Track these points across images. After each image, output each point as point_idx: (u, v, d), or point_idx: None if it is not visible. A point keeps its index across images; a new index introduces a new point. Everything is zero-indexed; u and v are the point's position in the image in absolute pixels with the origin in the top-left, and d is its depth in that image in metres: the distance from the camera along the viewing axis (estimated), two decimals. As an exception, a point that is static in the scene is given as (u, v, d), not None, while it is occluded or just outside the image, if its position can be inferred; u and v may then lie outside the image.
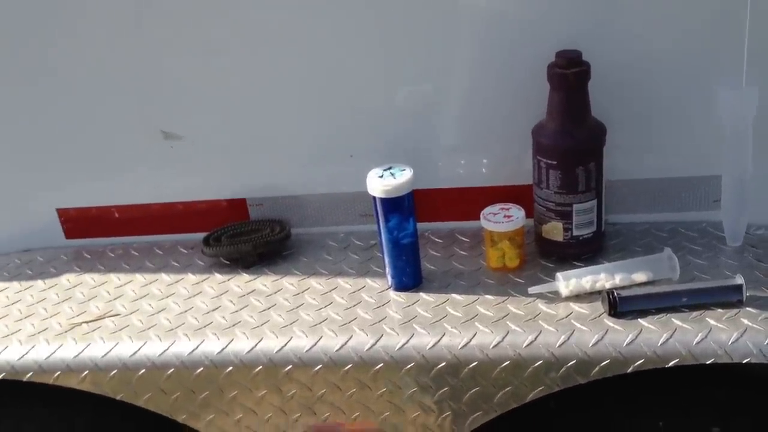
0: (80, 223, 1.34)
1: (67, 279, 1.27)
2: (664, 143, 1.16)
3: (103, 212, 1.32)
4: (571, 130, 1.08)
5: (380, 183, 1.07)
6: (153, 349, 1.08)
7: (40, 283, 1.27)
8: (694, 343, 0.96)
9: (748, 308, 1.00)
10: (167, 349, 1.08)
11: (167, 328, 1.11)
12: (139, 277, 1.25)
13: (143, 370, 1.07)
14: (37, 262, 1.33)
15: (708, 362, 0.95)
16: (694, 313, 1.00)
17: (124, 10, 1.16)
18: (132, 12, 1.16)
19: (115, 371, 1.08)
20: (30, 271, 1.31)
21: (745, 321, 0.97)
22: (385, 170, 1.09)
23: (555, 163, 1.09)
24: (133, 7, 1.16)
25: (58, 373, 1.09)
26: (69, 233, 1.35)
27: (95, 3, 1.16)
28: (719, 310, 1.00)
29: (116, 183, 1.30)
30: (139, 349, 1.08)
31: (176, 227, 1.32)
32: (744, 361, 0.94)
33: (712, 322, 0.98)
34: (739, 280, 1.01)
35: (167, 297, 1.19)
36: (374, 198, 1.09)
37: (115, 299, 1.20)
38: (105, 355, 1.09)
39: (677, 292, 1.02)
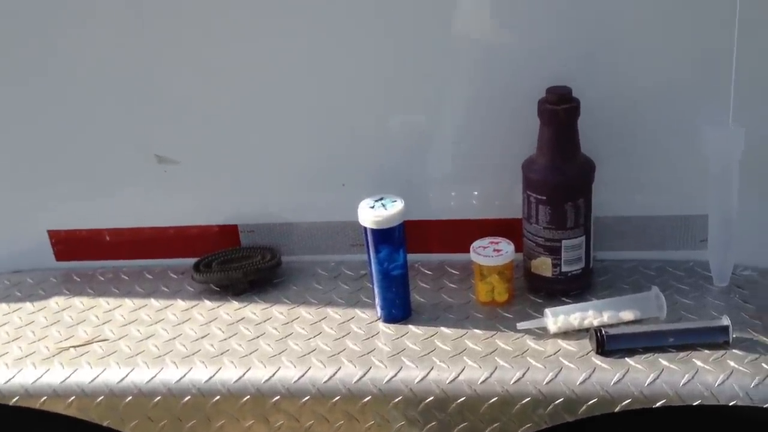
0: (71, 245, 1.34)
1: (56, 302, 1.27)
2: (652, 181, 1.18)
3: (94, 235, 1.32)
4: (561, 165, 1.10)
5: (371, 214, 1.08)
6: (140, 376, 1.08)
7: (28, 306, 1.26)
8: (681, 384, 0.97)
9: (734, 350, 1.00)
10: (155, 377, 1.07)
11: (155, 354, 1.11)
12: (128, 302, 1.25)
13: (130, 397, 1.07)
14: (26, 283, 1.33)
15: (695, 404, 0.96)
16: (681, 354, 1.00)
17: (119, 34, 1.17)
18: (128, 37, 1.17)
19: (102, 397, 1.07)
20: (19, 293, 1.30)
21: (732, 363, 0.98)
22: (376, 201, 1.10)
23: (544, 198, 1.10)
24: (129, 32, 1.17)
25: (45, 398, 1.08)
26: (59, 255, 1.35)
27: (89, 26, 1.17)
28: (706, 351, 1.01)
29: (108, 206, 1.30)
30: (126, 376, 1.08)
31: (167, 252, 1.32)
32: (731, 404, 0.95)
33: (698, 363, 0.99)
34: (726, 321, 1.02)
35: (156, 323, 1.19)
36: (365, 228, 1.09)
37: (103, 324, 1.20)
38: (92, 380, 1.08)
39: (664, 332, 1.03)
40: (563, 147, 1.10)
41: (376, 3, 1.12)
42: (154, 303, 1.24)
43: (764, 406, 0.94)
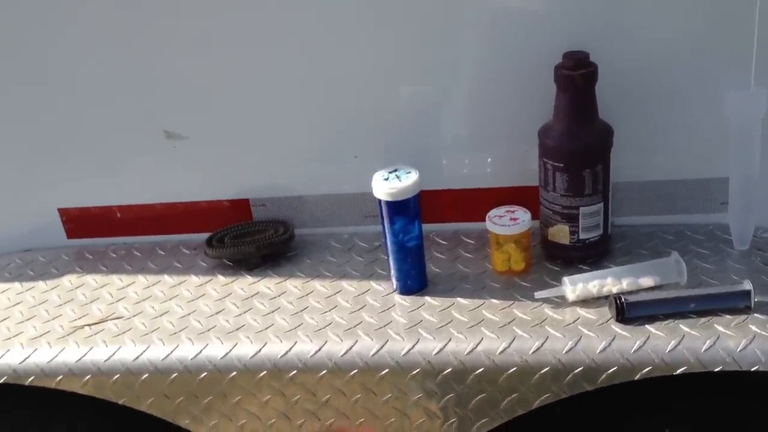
0: (82, 222, 1.33)
1: (68, 280, 1.26)
2: (671, 145, 1.15)
3: (104, 212, 1.31)
4: (578, 132, 1.07)
5: (386, 186, 1.06)
6: (156, 353, 1.07)
7: (41, 285, 1.26)
8: (702, 350, 0.95)
9: (756, 314, 0.99)
10: (170, 354, 1.07)
11: (170, 331, 1.11)
12: (141, 279, 1.24)
13: (146, 375, 1.06)
14: (38, 262, 1.32)
15: (716, 370, 0.94)
16: (702, 320, 0.99)
17: (125, 9, 1.15)
18: (134, 11, 1.15)
19: (118, 375, 1.07)
20: (31, 271, 1.30)
21: (754, 328, 0.97)
22: (390, 172, 1.08)
23: (561, 165, 1.08)
24: (135, 7, 1.14)
25: (60, 377, 1.08)
26: (70, 233, 1.34)
27: (98, 3, 1.15)
28: (727, 316, 0.99)
29: (118, 182, 1.29)
30: (142, 354, 1.07)
31: (179, 227, 1.31)
32: (752, 369, 0.94)
33: (720, 328, 0.97)
34: (748, 285, 1.00)
35: (170, 299, 1.18)
36: (379, 201, 1.08)
37: (117, 301, 1.19)
38: (108, 359, 1.08)
39: (685, 297, 1.01)
40: (580, 113, 1.07)
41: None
42: (168, 279, 1.23)
43: (788, 371, 0.93)
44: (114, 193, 1.30)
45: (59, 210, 1.32)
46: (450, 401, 1.02)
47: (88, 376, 1.07)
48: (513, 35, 1.11)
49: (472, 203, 1.21)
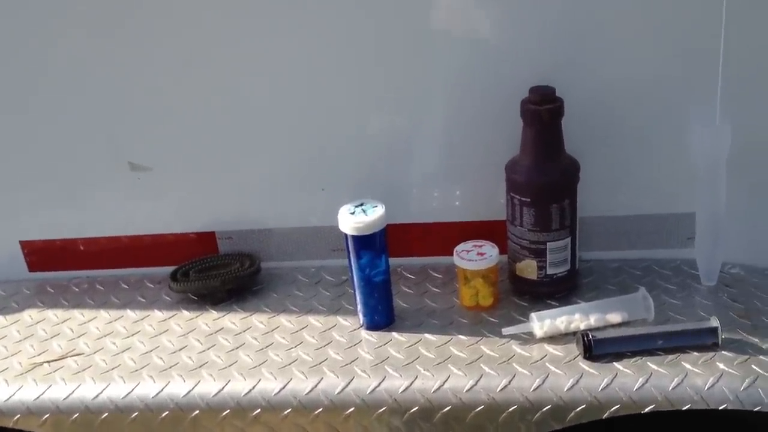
0: (44, 255, 1.30)
1: (29, 315, 1.23)
2: (638, 180, 1.16)
3: (67, 244, 1.29)
4: (545, 167, 1.07)
5: (351, 220, 1.05)
6: (117, 391, 1.05)
7: (1, 320, 1.23)
8: (670, 388, 0.95)
9: (723, 351, 0.98)
10: (131, 391, 1.04)
11: (132, 368, 1.08)
12: (103, 314, 1.21)
13: (106, 414, 1.03)
14: (-2, 296, 1.29)
15: (684, 408, 0.94)
16: (670, 357, 0.98)
17: (92, 39, 1.13)
18: (100, 42, 1.13)
19: (77, 414, 1.04)
20: (-9, 306, 1.27)
21: (721, 365, 0.96)
22: (356, 206, 1.07)
23: (529, 200, 1.07)
24: (101, 33, 1.13)
25: (18, 416, 1.05)
26: (32, 266, 1.31)
27: (60, 32, 1.13)
28: (695, 353, 0.99)
29: (82, 214, 1.27)
30: (102, 392, 1.05)
31: (143, 260, 1.29)
32: (720, 408, 0.93)
33: (687, 366, 0.97)
34: (715, 322, 1.00)
35: (133, 335, 1.15)
36: (345, 235, 1.07)
37: (78, 337, 1.16)
38: (67, 397, 1.05)
39: (652, 334, 1.01)
40: (547, 147, 1.07)
41: (356, 3, 1.09)
42: (131, 314, 1.20)
43: (755, 410, 0.93)
44: (77, 226, 1.28)
45: (21, 242, 1.30)
46: (417, 440, 1.00)
47: (47, 415, 1.04)
48: (481, 70, 1.11)
49: (440, 237, 1.20)
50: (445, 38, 1.11)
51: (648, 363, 0.98)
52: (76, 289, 1.28)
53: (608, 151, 1.13)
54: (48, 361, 1.11)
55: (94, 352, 1.12)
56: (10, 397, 1.06)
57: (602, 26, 1.07)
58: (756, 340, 1.00)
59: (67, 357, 1.12)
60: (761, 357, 0.97)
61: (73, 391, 1.05)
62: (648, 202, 1.16)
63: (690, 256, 1.15)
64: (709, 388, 0.94)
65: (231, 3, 1.11)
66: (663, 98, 1.10)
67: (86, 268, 1.30)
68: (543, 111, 1.05)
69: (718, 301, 1.09)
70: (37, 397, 1.05)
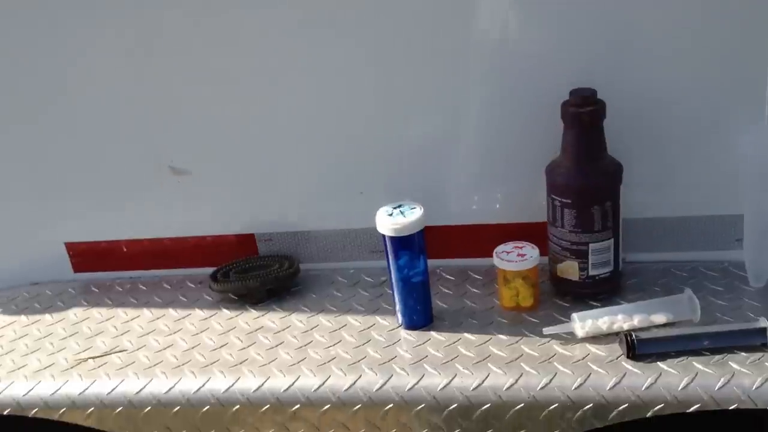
0: (88, 256, 1.32)
1: (74, 313, 1.25)
2: (684, 180, 1.14)
3: (111, 246, 1.31)
4: (586, 169, 1.06)
5: (390, 221, 1.05)
6: (159, 386, 1.06)
7: (47, 317, 1.25)
8: (716, 387, 0.92)
9: (772, 352, 0.96)
10: (173, 387, 1.05)
11: (174, 365, 1.09)
12: (146, 312, 1.23)
13: (149, 408, 1.05)
14: (45, 295, 1.32)
15: (731, 408, 0.91)
16: (716, 357, 0.96)
17: (132, 43, 1.16)
18: (141, 45, 1.16)
19: (121, 408, 1.05)
20: (38, 304, 1.29)
21: (770, 365, 0.94)
22: (394, 208, 1.07)
23: (569, 202, 1.06)
24: (142, 41, 1.15)
25: (64, 409, 1.07)
26: (77, 267, 1.34)
27: (103, 36, 1.16)
28: (742, 353, 0.96)
29: (125, 217, 1.29)
30: (144, 387, 1.06)
31: (184, 262, 1.30)
32: (768, 407, 0.91)
33: (735, 366, 0.94)
34: (763, 322, 0.98)
35: (174, 333, 1.17)
36: (384, 236, 1.07)
37: (121, 335, 1.18)
38: (111, 392, 1.06)
39: (698, 334, 0.99)
40: (588, 150, 1.06)
41: (392, 4, 1.10)
42: (172, 313, 1.22)
43: (804, 410, 0.90)
44: (120, 228, 1.30)
45: (66, 244, 1.32)
46: (456, 438, 0.99)
47: (92, 409, 1.06)
48: (520, 71, 1.11)
49: (480, 239, 1.20)
50: (484, 41, 1.11)
51: (693, 363, 0.96)
52: (120, 289, 1.30)
53: (653, 152, 1.12)
54: (93, 357, 1.13)
55: (137, 349, 1.14)
56: (56, 391, 1.08)
57: (644, 26, 1.06)
58: (805, 341, 0.98)
59: (111, 353, 1.14)
60: (811, 358, 0.95)
61: (116, 386, 1.07)
62: (695, 203, 1.14)
63: (738, 257, 1.13)
64: (757, 388, 0.92)
65: (271, 14, 1.12)
66: (708, 98, 1.08)
67: (129, 269, 1.32)
68: (583, 114, 1.04)
69: (766, 302, 1.06)
70: (82, 392, 1.07)
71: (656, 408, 0.93)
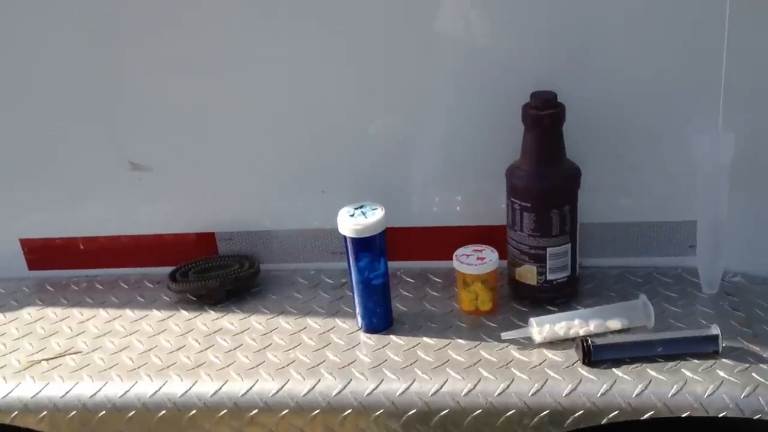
0: (44, 253, 1.30)
1: (28, 313, 1.23)
2: (640, 187, 1.15)
3: (67, 243, 1.29)
4: (546, 172, 1.07)
5: (351, 222, 1.05)
6: (114, 389, 1.04)
7: (0, 317, 1.23)
8: (670, 395, 0.94)
9: (724, 359, 0.98)
10: (129, 390, 1.04)
11: (129, 367, 1.08)
12: (102, 313, 1.21)
13: (103, 412, 1.03)
14: (-3, 294, 1.29)
15: (683, 415, 0.93)
16: (670, 364, 0.98)
17: (90, 39, 1.14)
18: (100, 41, 1.14)
19: (75, 412, 1.04)
20: (-10, 303, 1.27)
21: (721, 373, 0.96)
22: (356, 209, 1.07)
23: (529, 205, 1.07)
24: (100, 37, 1.13)
25: (15, 413, 1.05)
26: (32, 264, 1.31)
27: (59, 30, 1.13)
28: (695, 360, 0.98)
29: (82, 214, 1.27)
30: (99, 390, 1.04)
31: (143, 260, 1.28)
32: (720, 415, 0.92)
33: (687, 373, 0.96)
34: (715, 330, 1.00)
35: (131, 334, 1.15)
36: (345, 237, 1.06)
37: (77, 335, 1.16)
38: (64, 395, 1.05)
39: (652, 341, 1.00)
40: (548, 153, 1.07)
41: (356, 5, 1.09)
42: (129, 313, 1.20)
43: (754, 418, 0.92)
44: (78, 225, 1.27)
45: (21, 240, 1.29)
46: (414, 443, 1.00)
47: (44, 413, 1.04)
48: (483, 74, 1.11)
49: (440, 241, 1.20)
50: (447, 43, 1.11)
51: (647, 369, 0.97)
52: (76, 288, 1.28)
53: (610, 157, 1.13)
54: (46, 359, 1.11)
55: (93, 351, 1.12)
56: (8, 393, 1.06)
57: (605, 33, 1.07)
58: (756, 348, 1.00)
59: (65, 355, 1.12)
60: (761, 365, 0.97)
61: (70, 389, 1.05)
62: (650, 209, 1.16)
63: (691, 264, 1.15)
64: (708, 396, 0.93)
65: (232, 6, 1.11)
66: (666, 106, 1.10)
67: (86, 267, 1.30)
68: (544, 116, 1.05)
69: (718, 309, 1.09)
70: (35, 395, 1.05)
71: (611, 415, 0.94)
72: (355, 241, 1.06)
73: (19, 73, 1.17)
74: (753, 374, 0.95)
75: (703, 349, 0.99)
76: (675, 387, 0.95)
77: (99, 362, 1.10)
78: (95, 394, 1.04)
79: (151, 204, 1.25)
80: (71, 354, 1.12)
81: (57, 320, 1.21)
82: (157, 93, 1.16)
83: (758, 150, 1.09)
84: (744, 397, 0.93)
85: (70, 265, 1.30)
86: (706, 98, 1.06)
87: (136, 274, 1.29)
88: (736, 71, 1.03)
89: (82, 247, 1.29)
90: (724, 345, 0.99)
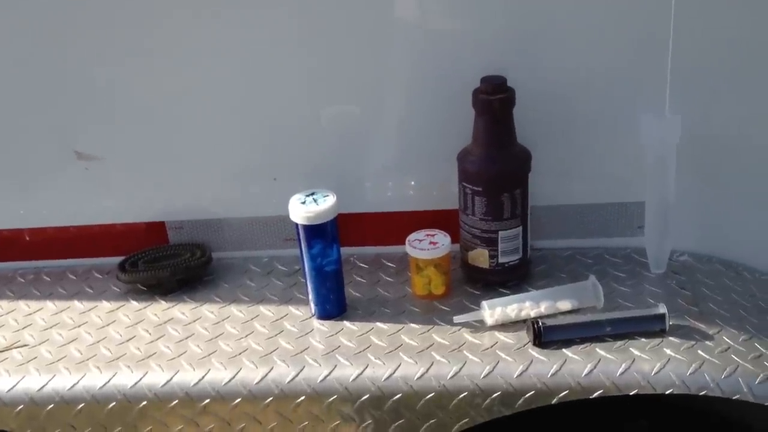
0: (-11, 246, 1.27)
1: (-28, 306, 1.21)
2: (589, 169, 1.16)
3: (13, 235, 1.26)
4: (497, 156, 1.07)
5: (302, 209, 1.04)
6: (62, 382, 1.03)
7: (-58, 311, 1.20)
8: (618, 374, 0.95)
9: (670, 337, 1.00)
10: (77, 383, 1.02)
11: (78, 359, 1.06)
12: (50, 305, 1.19)
13: (51, 405, 1.01)
14: (-60, 287, 1.26)
15: (631, 393, 0.95)
16: (618, 343, 0.99)
17: (35, 25, 1.11)
18: (45, 27, 1.11)
19: (22, 406, 1.02)
20: (-68, 297, 1.24)
21: (668, 351, 0.97)
22: (307, 196, 1.06)
23: (480, 189, 1.07)
24: (45, 24, 1.10)
25: (-39, 408, 1.03)
26: (-24, 257, 1.28)
27: (3, 16, 1.10)
28: (643, 339, 0.99)
29: (27, 204, 1.24)
30: (47, 383, 1.03)
31: (91, 251, 1.26)
32: (667, 392, 0.94)
33: (635, 352, 0.98)
34: (662, 309, 1.01)
35: (79, 326, 1.13)
36: (296, 225, 1.06)
37: (23, 328, 1.14)
38: (11, 389, 1.03)
39: (601, 321, 1.02)
40: (498, 137, 1.07)
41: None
42: (78, 305, 1.18)
43: (700, 394, 0.94)
44: (23, 215, 1.24)
45: (-36, 232, 1.27)
46: (368, 428, 0.99)
47: (-10, 408, 1.02)
48: (434, 59, 1.11)
49: (394, 226, 1.20)
50: (397, 27, 1.11)
51: (597, 349, 0.99)
52: (22, 280, 1.26)
53: (559, 140, 1.14)
54: (-9, 353, 1.09)
55: (40, 344, 1.10)
56: (-48, 389, 1.03)
57: (554, 17, 1.08)
58: (702, 326, 1.02)
59: (11, 348, 1.10)
60: (707, 342, 0.99)
61: (17, 383, 1.03)
62: (599, 191, 1.17)
63: (640, 244, 1.16)
64: (656, 374, 0.95)
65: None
66: (613, 89, 1.11)
67: (32, 259, 1.27)
68: (494, 101, 1.05)
69: (666, 288, 1.10)
70: (-20, 390, 1.03)
71: (561, 395, 0.95)
72: (306, 228, 1.05)
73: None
74: (699, 351, 0.97)
75: (651, 327, 1.01)
76: (623, 366, 0.96)
77: (46, 355, 1.07)
78: (43, 387, 1.02)
79: (99, 193, 1.22)
80: (18, 347, 1.10)
81: (3, 313, 1.18)
82: (105, 80, 1.14)
83: (704, 132, 1.10)
84: (690, 374, 0.95)
85: (16, 256, 1.27)
86: (653, 80, 1.07)
87: (84, 266, 1.27)
88: (682, 53, 1.05)
89: (28, 238, 1.26)
90: (670, 323, 1.01)
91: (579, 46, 1.09)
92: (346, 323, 1.09)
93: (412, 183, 1.21)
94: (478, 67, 1.07)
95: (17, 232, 1.26)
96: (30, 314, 1.17)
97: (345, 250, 1.11)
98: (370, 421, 0.99)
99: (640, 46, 1.08)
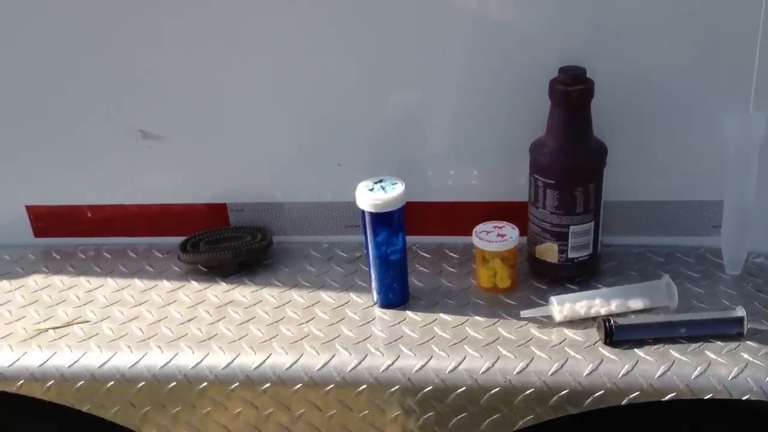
0: (50, 221, 1.27)
1: (34, 280, 1.21)
2: (664, 164, 1.12)
3: (74, 211, 1.26)
4: (572, 149, 1.04)
5: (370, 197, 1.02)
6: (123, 360, 1.02)
7: (5, 284, 1.20)
8: (693, 377, 0.92)
9: (748, 342, 0.96)
10: (138, 361, 1.02)
11: (139, 338, 1.06)
12: (110, 282, 1.19)
13: (112, 382, 1.01)
14: (3, 260, 1.26)
15: (706, 397, 0.91)
16: (693, 345, 0.96)
17: (105, 5, 1.10)
18: (115, 8, 1.10)
19: (82, 382, 1.02)
20: (-5, 270, 1.24)
21: (746, 355, 0.94)
22: (375, 183, 1.04)
23: (553, 182, 1.04)
24: (116, 4, 1.10)
25: (21, 381, 1.03)
26: (38, 231, 1.28)
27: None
28: (719, 342, 0.96)
29: (90, 181, 1.24)
30: (108, 360, 1.02)
31: (152, 230, 1.26)
32: (743, 398, 0.91)
33: (711, 355, 0.94)
34: (740, 312, 0.98)
35: (140, 304, 1.13)
36: (363, 212, 1.04)
37: (84, 305, 1.14)
38: (72, 365, 1.03)
39: (676, 322, 0.98)
40: (575, 130, 1.04)
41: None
42: (138, 283, 1.18)
43: (779, 402, 0.90)
44: (85, 192, 1.25)
45: (27, 207, 1.27)
46: (429, 420, 0.98)
47: (51, 382, 1.02)
48: (505, 46, 1.08)
49: (458, 217, 1.18)
50: (470, 14, 1.08)
51: (670, 351, 0.95)
52: (83, 256, 1.26)
53: (637, 135, 1.10)
54: (53, 328, 1.09)
55: (101, 320, 1.10)
56: (14, 362, 1.04)
57: (635, 8, 1.04)
58: (781, 331, 0.98)
59: (73, 324, 1.10)
60: (786, 348, 0.95)
61: (78, 359, 1.03)
62: (675, 188, 1.13)
63: (715, 244, 1.12)
64: (733, 378, 0.92)
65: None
66: (695, 84, 1.07)
67: (93, 236, 1.28)
68: (573, 92, 1.02)
69: (742, 290, 1.07)
70: (42, 364, 1.03)
71: (632, 396, 0.93)
72: (373, 216, 1.03)
73: (27, 40, 1.13)
74: (778, 357, 0.94)
75: (728, 331, 0.97)
76: (699, 369, 0.93)
77: (108, 332, 1.07)
78: (104, 364, 1.02)
79: (162, 173, 1.22)
80: (79, 323, 1.10)
81: (64, 288, 1.18)
82: (172, 62, 1.13)
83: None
84: (769, 380, 0.91)
85: (77, 233, 1.28)
86: (738, 78, 1.03)
87: (144, 244, 1.27)
88: (769, 52, 1.01)
89: (89, 215, 1.26)
90: (748, 327, 0.97)
91: (661, 39, 1.05)
92: (409, 313, 1.07)
93: (476, 173, 1.18)
94: (553, 56, 1.04)
95: (78, 208, 1.26)
96: (91, 290, 1.17)
97: (408, 239, 1.08)
98: (431, 414, 0.97)
99: (726, 40, 1.04)
